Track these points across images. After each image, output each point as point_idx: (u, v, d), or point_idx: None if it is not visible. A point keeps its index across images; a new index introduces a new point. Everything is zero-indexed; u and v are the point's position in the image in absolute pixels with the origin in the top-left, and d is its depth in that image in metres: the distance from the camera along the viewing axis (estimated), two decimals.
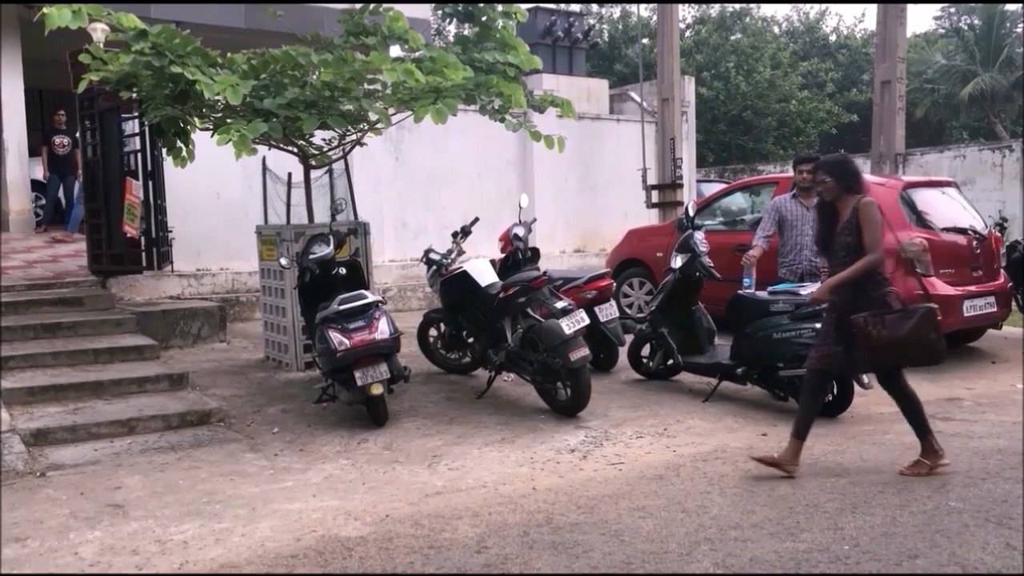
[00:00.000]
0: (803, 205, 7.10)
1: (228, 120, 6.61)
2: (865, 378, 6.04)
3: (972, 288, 8.02)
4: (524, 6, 8.16)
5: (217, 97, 5.98)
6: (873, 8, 13.69)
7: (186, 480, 5.07)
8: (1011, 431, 5.78)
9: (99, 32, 7.28)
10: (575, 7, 27.67)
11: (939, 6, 34.06)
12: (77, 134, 9.79)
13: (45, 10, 5.52)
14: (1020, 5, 28.84)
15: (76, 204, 12.05)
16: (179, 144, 7.27)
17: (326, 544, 4.10)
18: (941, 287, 7.77)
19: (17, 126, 12.35)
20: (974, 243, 8.23)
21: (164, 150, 7.67)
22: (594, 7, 29.75)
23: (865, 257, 4.83)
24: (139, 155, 8.60)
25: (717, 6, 29.17)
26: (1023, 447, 5.36)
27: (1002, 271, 8.70)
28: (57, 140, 12.49)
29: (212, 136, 6.43)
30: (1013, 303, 8.90)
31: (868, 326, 4.77)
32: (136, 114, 7.82)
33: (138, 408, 6.23)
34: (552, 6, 16.37)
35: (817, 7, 40.05)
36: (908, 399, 5.00)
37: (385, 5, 7.22)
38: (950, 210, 8.56)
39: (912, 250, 7.69)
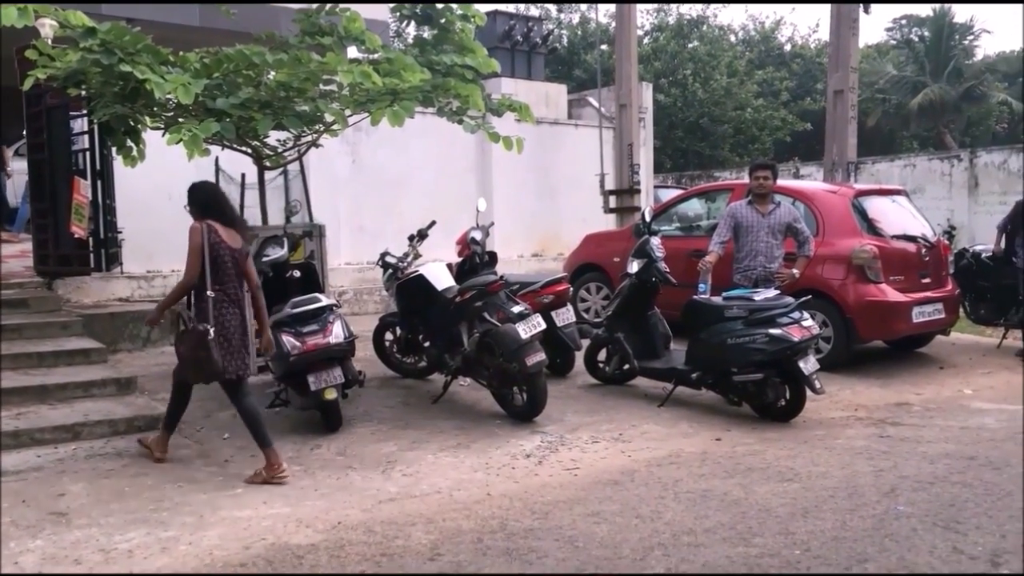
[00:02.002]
0: (758, 211, 7.18)
1: (180, 119, 6.49)
2: (817, 383, 6.11)
3: (921, 295, 8.17)
4: (483, 7, 8.13)
5: (168, 96, 5.87)
6: (827, 18, 13.94)
7: (132, 487, 4.95)
8: (958, 436, 5.89)
9: (47, 28, 7.10)
10: (534, 11, 27.79)
11: (890, 18, 34.78)
12: (24, 133, 9.52)
13: None
14: (968, 17, 29.57)
15: (22, 203, 11.77)
16: (129, 143, 7.11)
17: (276, 552, 4.03)
18: (891, 293, 7.92)
19: None
20: (923, 250, 8.39)
21: (114, 149, 7.50)
22: (553, 12, 29.88)
23: (180, 281, 5.23)
24: (88, 154, 8.40)
25: (674, 14, 29.48)
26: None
27: (950, 278, 8.88)
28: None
29: (163, 135, 6.31)
30: (961, 310, 9.09)
31: (176, 343, 5.32)
32: (84, 112, 7.64)
33: (84, 413, 6.07)
34: (511, 7, 16.38)
35: (772, 17, 40.63)
36: (247, 414, 5.25)
37: (342, 6, 7.15)
38: (900, 218, 8.71)
39: (863, 257, 7.86)
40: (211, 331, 5.03)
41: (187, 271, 5.12)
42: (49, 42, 6.40)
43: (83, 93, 6.79)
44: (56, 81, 6.40)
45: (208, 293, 5.07)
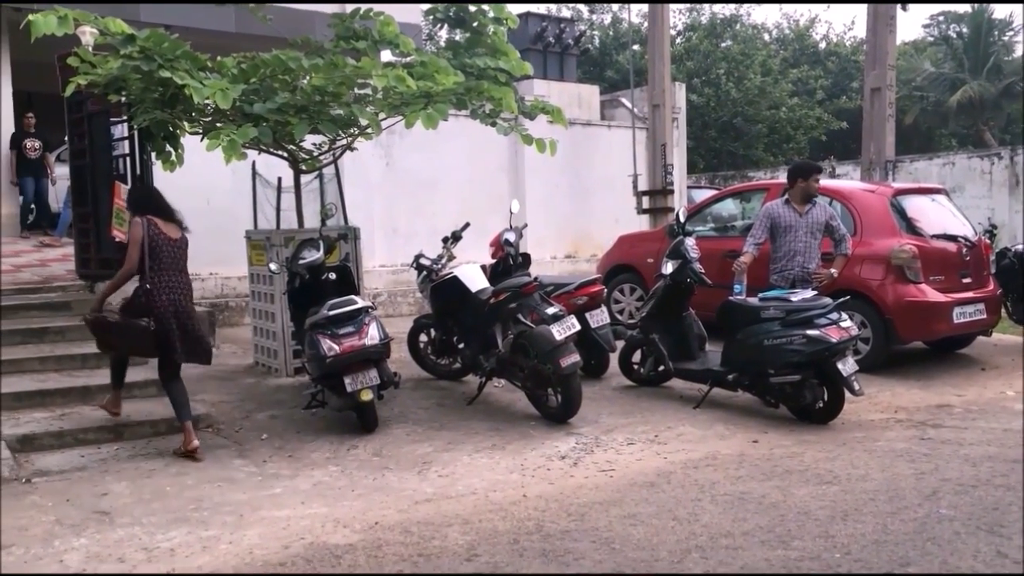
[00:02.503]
0: (796, 211, 7.09)
1: (218, 124, 6.58)
2: (856, 385, 6.04)
3: (962, 295, 8.04)
4: (515, 8, 8.14)
5: (207, 101, 5.94)
6: (863, 15, 13.79)
7: (173, 487, 5.03)
8: (1001, 438, 5.79)
9: (88, 35, 7.22)
10: (566, 12, 27.77)
11: (928, 15, 34.30)
12: (65, 139, 9.70)
13: (31, 17, 5.47)
14: (1007, 13, 29.02)
15: (64, 208, 11.99)
16: (168, 148, 7.22)
17: (314, 552, 4.06)
18: (931, 294, 7.80)
19: (4, 130, 12.27)
20: (964, 250, 8.25)
21: (153, 154, 7.61)
22: (585, 13, 29.83)
23: (121, 270, 5.74)
24: (128, 159, 8.53)
25: (707, 13, 29.31)
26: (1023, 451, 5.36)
27: (991, 278, 8.73)
28: (28, 144, 12.40)
29: (202, 141, 6.39)
30: (1002, 310, 8.92)
31: (94, 324, 5.78)
32: (125, 118, 7.76)
33: (125, 414, 6.16)
34: (542, 8, 16.37)
35: (807, 15, 40.20)
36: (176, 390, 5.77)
37: (376, 10, 7.20)
38: (940, 217, 8.58)
39: (902, 257, 7.76)
40: (151, 325, 5.60)
41: (127, 260, 5.68)
42: (90, 49, 6.51)
43: (123, 99, 6.89)
44: (97, 88, 6.52)
45: (146, 285, 5.61)
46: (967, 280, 8.23)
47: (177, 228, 5.87)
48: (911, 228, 8.14)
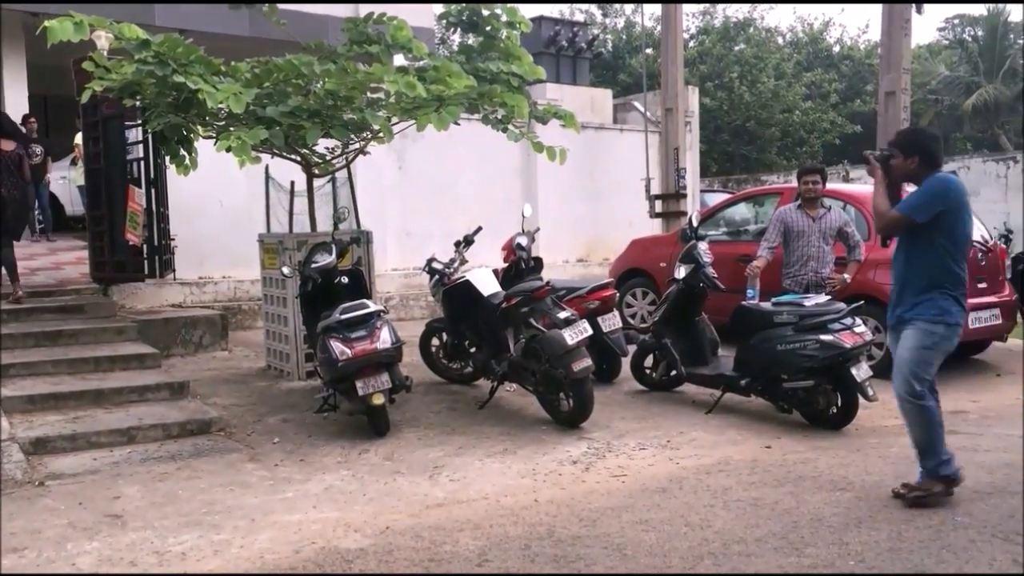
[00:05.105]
0: (808, 216, 7.07)
1: (231, 128, 6.60)
2: (870, 390, 6.00)
3: (977, 300, 7.97)
4: (528, 11, 8.14)
5: (220, 106, 5.96)
6: (877, 19, 13.72)
7: (185, 490, 5.04)
8: (1017, 445, 5.73)
9: (103, 40, 7.28)
10: (579, 16, 27.78)
11: (943, 18, 34.12)
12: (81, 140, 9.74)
13: (47, 23, 5.51)
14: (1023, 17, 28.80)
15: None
16: (182, 152, 7.25)
17: (326, 556, 4.06)
18: None
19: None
20: (979, 255, 8.18)
21: (167, 158, 7.65)
22: (598, 17, 29.84)
23: None
24: (142, 163, 8.58)
25: (720, 17, 29.26)
26: (1023, 458, 5.32)
27: (1007, 283, 8.66)
28: (29, 149, 12.40)
29: (215, 144, 6.42)
30: (1018, 315, 8.85)
31: None
32: (139, 122, 7.81)
33: (138, 417, 6.19)
34: (556, 9, 16.37)
35: (821, 18, 40.07)
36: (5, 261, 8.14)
37: (389, 15, 7.21)
38: None
39: None
40: None
41: None
42: (105, 54, 6.55)
43: (138, 103, 6.93)
44: (112, 92, 6.55)
45: None
46: (982, 285, 8.16)
47: (12, 143, 8.19)
48: None
